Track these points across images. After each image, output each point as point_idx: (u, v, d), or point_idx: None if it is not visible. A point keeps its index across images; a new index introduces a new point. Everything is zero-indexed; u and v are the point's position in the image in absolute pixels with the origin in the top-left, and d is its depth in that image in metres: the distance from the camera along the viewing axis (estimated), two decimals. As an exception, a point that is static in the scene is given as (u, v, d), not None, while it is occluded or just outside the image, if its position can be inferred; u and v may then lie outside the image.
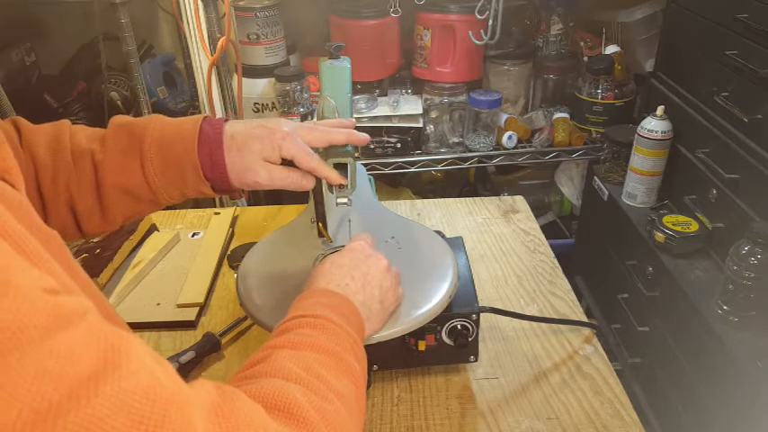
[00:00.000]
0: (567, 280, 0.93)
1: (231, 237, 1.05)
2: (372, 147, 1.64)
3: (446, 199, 1.17)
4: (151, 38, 1.83)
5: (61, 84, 1.75)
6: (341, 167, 0.68)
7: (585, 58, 1.69)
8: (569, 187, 1.92)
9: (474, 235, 1.04)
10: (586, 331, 0.82)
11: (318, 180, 0.66)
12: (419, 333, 0.69)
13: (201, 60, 1.42)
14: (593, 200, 1.62)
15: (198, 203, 1.49)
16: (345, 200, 0.69)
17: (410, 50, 1.70)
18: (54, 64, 1.82)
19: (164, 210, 0.95)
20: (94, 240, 0.96)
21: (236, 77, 1.52)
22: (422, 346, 0.71)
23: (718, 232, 1.21)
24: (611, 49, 1.64)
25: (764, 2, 1.06)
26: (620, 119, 1.60)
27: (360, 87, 1.66)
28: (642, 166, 1.37)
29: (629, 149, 1.41)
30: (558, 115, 1.69)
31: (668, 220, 1.26)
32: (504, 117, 1.69)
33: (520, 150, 1.67)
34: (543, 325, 0.83)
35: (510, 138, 1.64)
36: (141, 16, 1.76)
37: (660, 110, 1.32)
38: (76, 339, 0.29)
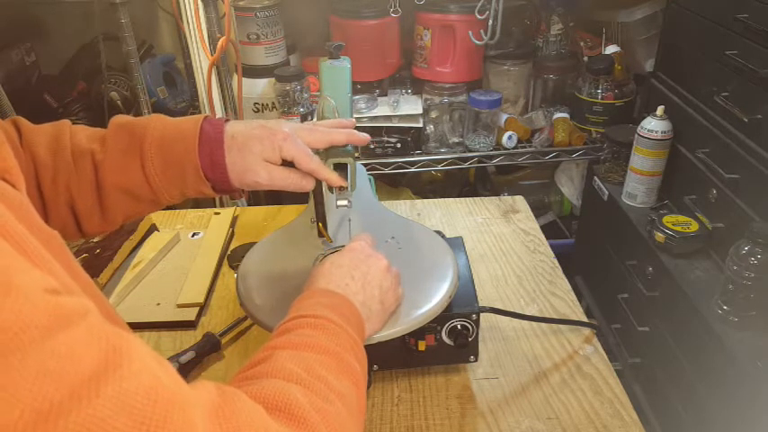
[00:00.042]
0: (566, 280, 0.93)
1: (231, 237, 1.05)
2: (372, 147, 1.64)
3: (446, 199, 1.17)
4: (151, 38, 1.83)
5: (61, 84, 1.75)
6: (341, 167, 0.68)
7: (585, 58, 1.69)
8: (569, 187, 1.92)
9: (474, 235, 1.04)
10: (586, 331, 0.82)
11: (318, 181, 0.66)
12: (419, 333, 0.69)
13: (201, 60, 1.42)
14: (593, 200, 1.62)
15: (198, 203, 1.49)
16: (345, 202, 0.69)
17: (410, 50, 1.70)
18: (54, 64, 1.82)
19: (164, 210, 0.95)
20: (94, 240, 0.96)
21: (236, 77, 1.52)
22: (422, 346, 0.71)
23: (718, 232, 1.21)
24: (611, 49, 1.64)
25: (764, 2, 1.06)
26: (620, 119, 1.60)
27: (360, 87, 1.66)
28: (642, 166, 1.37)
29: (629, 149, 1.41)
30: (558, 115, 1.69)
31: (668, 220, 1.26)
32: (504, 117, 1.69)
33: (520, 150, 1.67)
34: (543, 325, 0.83)
35: (510, 138, 1.65)
36: (141, 16, 1.76)
37: (660, 110, 1.32)
38: (78, 339, 0.29)
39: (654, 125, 1.33)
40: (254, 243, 0.81)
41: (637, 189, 1.41)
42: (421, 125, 1.64)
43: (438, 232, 0.80)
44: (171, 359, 0.74)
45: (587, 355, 0.78)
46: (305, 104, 1.57)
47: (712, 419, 1.08)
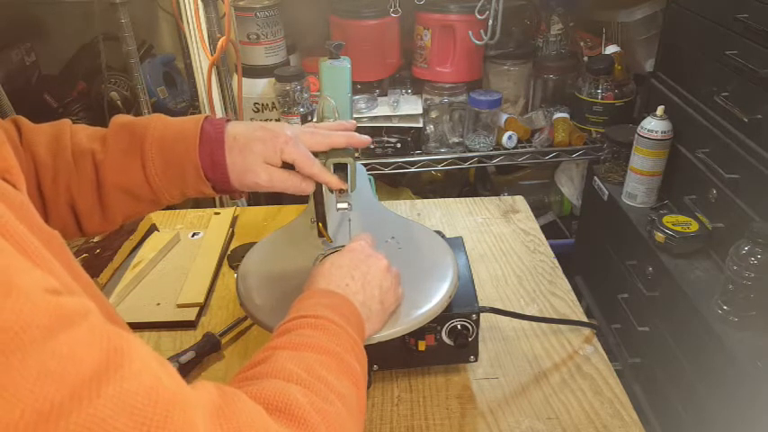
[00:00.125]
0: (566, 280, 0.93)
1: (231, 237, 1.05)
2: (372, 147, 1.64)
3: (446, 199, 1.17)
4: (151, 38, 1.83)
5: (61, 84, 1.75)
6: (341, 167, 0.68)
7: (585, 58, 1.69)
8: (569, 187, 1.92)
9: (474, 235, 1.04)
10: (586, 331, 0.82)
11: (319, 183, 0.66)
12: (419, 333, 0.69)
13: (201, 60, 1.42)
14: (593, 200, 1.62)
15: (198, 203, 1.49)
16: (345, 205, 0.69)
17: (410, 50, 1.70)
18: (54, 64, 1.82)
19: (164, 210, 0.95)
20: (94, 240, 0.96)
21: (236, 77, 1.52)
22: (422, 346, 0.71)
23: (718, 232, 1.21)
24: (611, 49, 1.64)
25: (764, 2, 1.06)
26: (620, 119, 1.60)
27: (360, 87, 1.66)
28: (642, 166, 1.37)
29: (629, 149, 1.41)
30: (558, 115, 1.69)
31: (668, 220, 1.26)
32: (504, 117, 1.69)
33: (520, 150, 1.67)
34: (543, 325, 0.83)
35: (510, 138, 1.65)
36: (141, 16, 1.76)
37: (660, 110, 1.32)
38: (78, 340, 0.29)
39: (654, 125, 1.33)
40: (254, 243, 0.81)
41: (637, 189, 1.41)
42: (421, 125, 1.64)
43: (438, 232, 0.80)
44: (171, 359, 0.74)
45: (587, 355, 0.79)
46: (305, 104, 1.57)
47: (712, 419, 1.08)
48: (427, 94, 1.68)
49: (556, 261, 0.97)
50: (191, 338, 0.82)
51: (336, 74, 0.72)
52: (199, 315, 0.87)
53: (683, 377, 1.17)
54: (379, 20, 1.60)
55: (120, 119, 0.63)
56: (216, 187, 0.63)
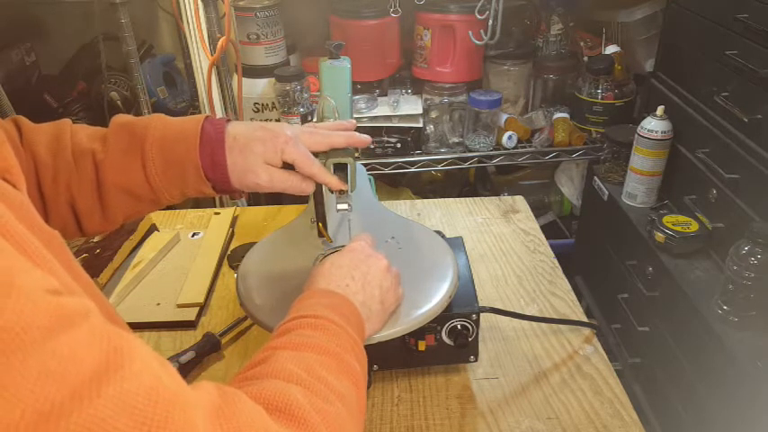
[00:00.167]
0: (566, 280, 0.93)
1: (231, 237, 1.05)
2: (372, 147, 1.64)
3: (446, 199, 1.17)
4: (151, 38, 1.83)
5: (61, 84, 1.75)
6: (341, 167, 0.68)
7: (585, 58, 1.69)
8: (569, 187, 1.92)
9: (474, 235, 1.04)
10: (586, 331, 0.82)
11: (319, 183, 0.66)
12: (419, 333, 0.69)
13: (201, 60, 1.42)
14: (593, 200, 1.62)
15: (198, 203, 1.49)
16: (345, 206, 0.69)
17: (410, 50, 1.70)
18: (54, 64, 1.82)
19: (164, 210, 0.95)
20: (94, 240, 0.96)
21: (236, 77, 1.52)
22: (422, 346, 0.71)
23: (718, 232, 1.21)
24: (611, 49, 1.64)
25: (764, 2, 1.06)
26: (620, 119, 1.60)
27: (360, 87, 1.66)
28: (642, 166, 1.37)
29: (629, 149, 1.41)
30: (558, 115, 1.69)
31: (668, 220, 1.26)
32: (504, 117, 1.69)
33: (520, 150, 1.67)
34: (543, 325, 0.83)
35: (510, 138, 1.65)
36: (141, 16, 1.76)
37: (660, 110, 1.32)
38: (79, 340, 0.29)
39: (654, 125, 1.33)
40: (254, 243, 0.81)
41: (637, 189, 1.41)
42: (421, 125, 1.64)
43: (438, 232, 0.80)
44: (171, 359, 0.74)
45: (587, 355, 0.79)
46: (305, 104, 1.57)
47: (712, 419, 1.08)
48: (427, 94, 1.68)
49: (556, 261, 0.97)
50: (191, 338, 0.82)
51: (336, 74, 0.72)
52: (199, 315, 0.87)
53: (683, 377, 1.17)
54: (379, 20, 1.60)
55: (121, 118, 0.63)
56: (216, 187, 0.63)
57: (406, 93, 1.72)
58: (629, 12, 1.64)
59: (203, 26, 1.38)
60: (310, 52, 1.80)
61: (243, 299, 0.70)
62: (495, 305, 0.78)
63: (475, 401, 0.72)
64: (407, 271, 0.69)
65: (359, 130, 0.70)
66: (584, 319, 0.84)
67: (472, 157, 1.66)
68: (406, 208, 1.14)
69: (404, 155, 1.65)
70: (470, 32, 1.53)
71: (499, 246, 1.01)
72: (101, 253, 0.94)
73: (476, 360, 0.74)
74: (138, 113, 1.48)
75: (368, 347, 0.57)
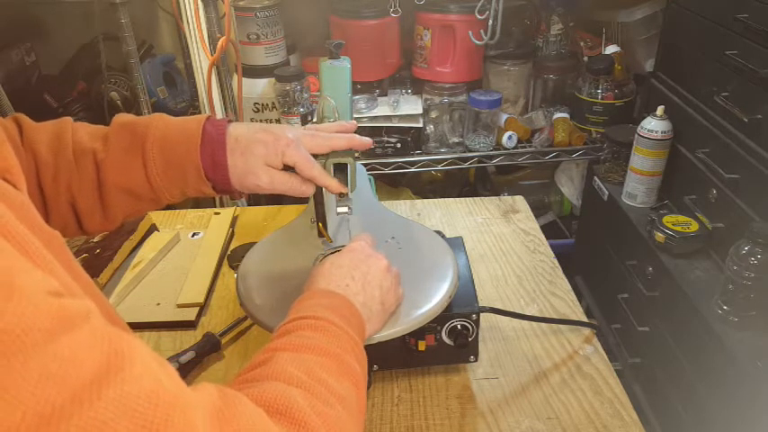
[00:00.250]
0: (566, 280, 0.93)
1: (231, 237, 1.05)
2: (372, 147, 1.63)
3: (446, 199, 1.17)
4: (151, 38, 1.83)
5: (61, 84, 1.75)
6: (341, 167, 0.68)
7: (585, 58, 1.69)
8: (569, 187, 1.92)
9: (474, 235, 1.04)
10: (586, 331, 0.82)
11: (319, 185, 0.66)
12: (419, 333, 0.69)
13: (201, 60, 1.42)
14: (593, 200, 1.62)
15: (198, 203, 1.49)
16: (345, 209, 0.69)
17: (410, 50, 1.70)
18: (54, 64, 1.82)
19: (164, 210, 0.95)
20: (94, 240, 0.96)
21: (236, 77, 1.52)
22: (422, 346, 0.71)
23: (718, 232, 1.21)
24: (611, 49, 1.64)
25: (764, 2, 1.06)
26: (620, 119, 1.60)
27: (360, 87, 1.66)
28: (642, 166, 1.37)
29: (629, 149, 1.41)
30: (558, 115, 1.69)
31: (668, 220, 1.26)
32: (504, 117, 1.69)
33: (520, 150, 1.67)
34: (543, 325, 0.83)
35: (510, 138, 1.65)
36: (141, 16, 1.76)
37: (660, 110, 1.32)
38: (80, 342, 0.29)
39: (654, 125, 1.33)
40: (254, 243, 0.81)
41: (637, 189, 1.41)
42: (421, 125, 1.64)
43: (438, 232, 0.80)
44: (171, 359, 0.74)
45: (587, 355, 0.79)
46: (305, 104, 1.57)
47: (712, 419, 1.08)
48: (427, 94, 1.68)
49: (556, 261, 0.97)
50: (191, 338, 0.82)
51: (336, 74, 0.72)
52: (199, 315, 0.87)
53: (683, 377, 1.17)
54: (379, 20, 1.60)
55: (122, 118, 0.63)
56: (216, 188, 0.63)
57: (406, 93, 1.72)
58: (629, 12, 1.64)
59: (203, 26, 1.38)
60: (310, 52, 1.80)
61: (243, 299, 0.70)
62: (495, 305, 0.78)
63: (475, 401, 0.72)
64: (407, 271, 0.69)
65: (359, 130, 0.70)
66: (585, 319, 0.84)
67: (472, 157, 1.66)
68: (406, 208, 1.14)
69: (404, 155, 1.65)
70: (470, 32, 1.53)
71: (499, 246, 1.01)
72: (101, 253, 0.94)
73: (476, 360, 0.74)
74: (138, 113, 1.47)
75: (368, 347, 0.57)
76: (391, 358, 0.73)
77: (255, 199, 1.65)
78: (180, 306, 0.87)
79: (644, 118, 1.36)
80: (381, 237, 0.77)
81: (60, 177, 0.60)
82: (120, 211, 0.63)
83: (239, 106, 1.54)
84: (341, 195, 0.68)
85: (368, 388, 0.72)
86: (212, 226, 1.06)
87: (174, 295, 0.89)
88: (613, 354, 1.44)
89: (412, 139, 1.65)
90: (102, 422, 0.27)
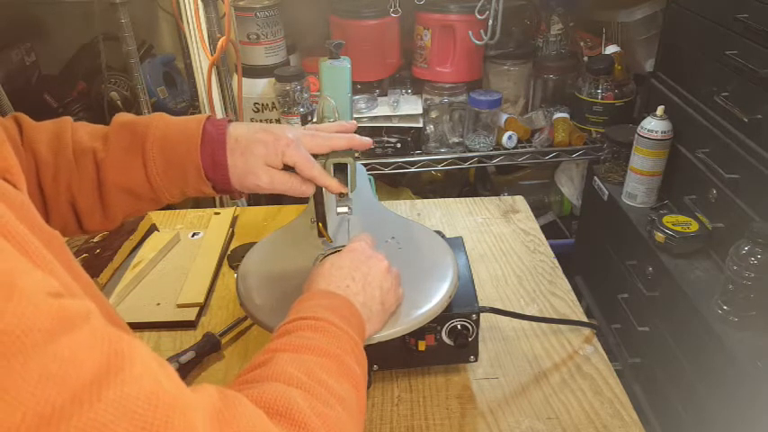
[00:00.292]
0: (566, 280, 0.93)
1: (231, 237, 1.05)
2: (372, 147, 1.63)
3: (446, 199, 1.17)
4: (151, 38, 1.83)
5: (61, 84, 1.75)
6: (341, 167, 0.68)
7: (585, 58, 1.69)
8: (569, 187, 1.92)
9: (474, 235, 1.04)
10: (586, 331, 0.82)
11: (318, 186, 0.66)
12: (419, 333, 0.69)
13: (201, 60, 1.42)
14: (593, 200, 1.62)
15: (198, 203, 1.49)
16: (345, 209, 0.69)
17: (410, 50, 1.70)
18: (54, 64, 1.82)
19: (164, 210, 0.95)
20: (94, 240, 0.96)
21: (236, 77, 1.52)
22: (422, 346, 0.71)
23: (718, 232, 1.21)
24: (611, 49, 1.64)
25: (764, 2, 1.06)
26: (620, 119, 1.60)
27: (360, 87, 1.66)
28: (642, 166, 1.37)
29: (629, 149, 1.41)
30: (558, 115, 1.69)
31: (668, 220, 1.26)
32: (504, 117, 1.69)
33: (520, 150, 1.67)
34: (543, 325, 0.83)
35: (510, 138, 1.65)
36: (141, 16, 1.76)
37: (660, 110, 1.32)
38: (80, 343, 0.29)
39: (654, 125, 1.33)
40: (254, 243, 0.81)
41: (637, 189, 1.41)
42: (421, 125, 1.64)
43: (438, 232, 0.80)
44: (171, 359, 0.74)
45: (587, 355, 0.79)
46: (305, 104, 1.57)
47: (712, 419, 1.08)
48: (427, 94, 1.68)
49: (556, 261, 0.97)
50: (191, 338, 0.82)
51: (336, 74, 0.72)
52: (199, 315, 0.87)
53: (683, 377, 1.17)
54: (379, 20, 1.60)
55: (122, 117, 0.63)
56: (216, 187, 0.63)
57: (406, 93, 1.72)
58: (629, 12, 1.64)
59: (203, 26, 1.38)
60: (310, 52, 1.80)
61: (243, 299, 0.70)
62: (495, 305, 0.78)
63: (475, 401, 0.72)
64: (407, 271, 0.69)
65: (359, 130, 0.70)
66: (585, 319, 0.84)
67: (472, 157, 1.66)
68: (406, 208, 1.14)
69: (404, 155, 1.65)
70: (470, 32, 1.53)
71: (499, 246, 1.01)
72: (101, 253, 0.94)
73: (476, 360, 0.74)
74: (138, 113, 1.47)
75: (368, 347, 0.57)
76: (391, 358, 0.73)
77: (255, 199, 1.65)
78: (180, 306, 0.87)
79: (644, 118, 1.36)
80: (381, 237, 0.77)
81: (60, 177, 0.60)
82: (120, 211, 0.63)
83: (239, 106, 1.55)
84: (341, 195, 0.68)
85: (368, 388, 0.72)
86: (212, 226, 1.06)
87: (174, 295, 0.89)
88: (613, 354, 1.44)
89: (412, 139, 1.65)
90: (102, 424, 0.27)
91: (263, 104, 1.64)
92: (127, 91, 1.68)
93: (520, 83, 1.73)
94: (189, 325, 0.85)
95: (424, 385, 0.74)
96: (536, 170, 2.03)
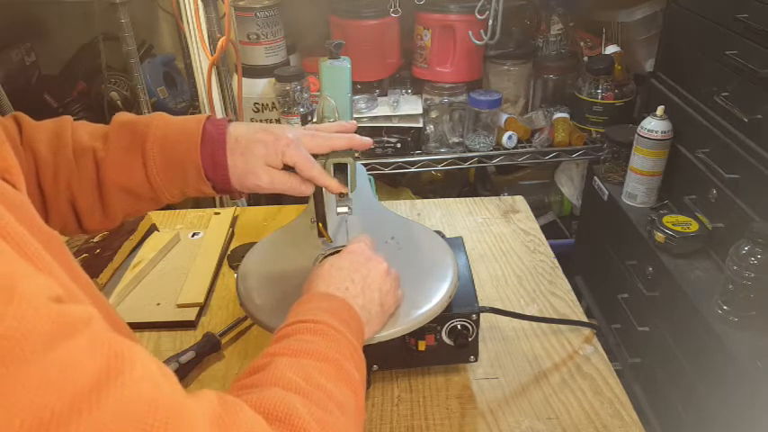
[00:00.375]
0: (566, 280, 0.93)
1: (231, 237, 1.05)
2: (372, 147, 1.63)
3: (446, 199, 1.17)
4: (151, 38, 1.83)
5: (61, 84, 1.75)
6: (341, 167, 0.68)
7: (585, 58, 1.69)
8: (569, 187, 1.92)
9: (474, 235, 1.04)
10: (586, 331, 0.82)
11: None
12: (419, 333, 0.69)
13: (201, 60, 1.42)
14: (593, 200, 1.62)
15: (198, 203, 1.49)
16: (345, 209, 0.69)
17: (410, 50, 1.70)
18: (54, 64, 1.82)
19: (164, 210, 0.95)
20: (94, 240, 0.96)
21: (236, 77, 1.52)
22: (422, 346, 0.71)
23: (718, 232, 1.21)
24: (611, 49, 1.64)
25: (764, 2, 1.06)
26: (620, 119, 1.60)
27: (360, 87, 1.66)
28: (642, 166, 1.37)
29: (629, 149, 1.41)
30: (558, 115, 1.69)
31: (668, 220, 1.26)
32: (504, 117, 1.69)
33: (520, 150, 1.67)
34: (543, 325, 0.83)
35: (510, 138, 1.65)
36: (141, 16, 1.76)
37: (660, 110, 1.32)
38: (80, 348, 0.28)
39: (654, 125, 1.33)
40: (254, 243, 0.81)
41: (637, 189, 1.41)
42: (421, 125, 1.64)
43: (438, 232, 0.80)
44: (171, 359, 0.74)
45: (587, 355, 0.78)
46: (305, 104, 1.57)
47: (712, 419, 1.08)
48: (427, 94, 1.68)
49: (556, 261, 0.97)
50: (191, 338, 0.82)
51: (336, 74, 0.72)
52: (199, 315, 0.87)
53: (683, 377, 1.17)
54: (379, 20, 1.60)
55: (122, 117, 0.63)
56: (216, 187, 0.63)
57: (406, 93, 1.72)
58: (629, 12, 1.64)
59: (203, 26, 1.38)
60: (310, 52, 1.80)
61: (243, 299, 0.70)
62: (495, 305, 0.78)
63: (475, 401, 0.72)
64: (407, 271, 0.69)
65: (359, 130, 0.70)
66: (585, 319, 0.84)
67: (472, 157, 1.66)
68: (406, 208, 1.14)
69: (404, 155, 1.65)
70: (470, 32, 1.53)
71: (499, 246, 1.01)
72: (101, 253, 0.94)
73: (476, 360, 0.74)
74: (138, 113, 1.47)
75: (368, 347, 0.57)
76: (391, 358, 0.73)
77: (255, 199, 1.65)
78: (180, 306, 0.87)
79: (644, 118, 1.36)
80: (381, 237, 0.76)
81: (60, 176, 0.60)
82: (120, 211, 0.63)
83: (239, 106, 1.55)
84: (341, 195, 0.68)
85: (368, 388, 0.72)
86: (212, 226, 1.06)
87: (174, 295, 0.89)
88: (613, 354, 1.44)
89: (412, 139, 1.65)
90: (102, 429, 0.27)
91: (263, 104, 1.64)
92: (127, 91, 1.68)
93: (520, 83, 1.73)
94: (189, 325, 0.85)
95: (424, 385, 0.74)
96: (536, 170, 2.03)
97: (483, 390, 0.73)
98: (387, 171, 1.65)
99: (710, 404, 1.08)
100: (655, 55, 1.52)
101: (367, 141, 0.69)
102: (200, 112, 1.42)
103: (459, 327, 0.70)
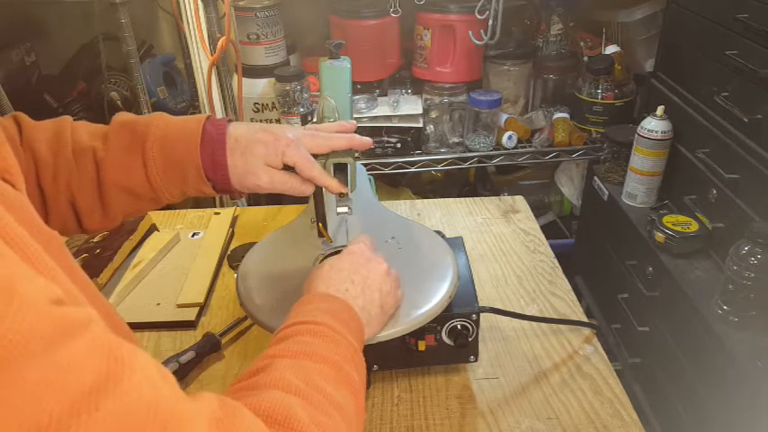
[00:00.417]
0: (566, 280, 0.93)
1: (231, 237, 1.05)
2: (372, 147, 1.63)
3: (446, 199, 1.17)
4: (151, 38, 1.83)
5: (61, 84, 1.75)
6: (341, 167, 0.68)
7: (585, 58, 1.69)
8: (569, 187, 1.92)
9: (474, 235, 1.04)
10: (586, 331, 0.82)
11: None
12: (419, 333, 0.69)
13: (201, 60, 1.42)
14: (593, 200, 1.62)
15: (198, 203, 1.49)
16: (345, 209, 0.69)
17: (410, 50, 1.70)
18: (54, 64, 1.82)
19: (164, 210, 0.95)
20: (94, 240, 0.96)
21: (236, 77, 1.52)
22: (422, 346, 0.71)
23: (718, 232, 1.21)
24: (611, 49, 1.64)
25: (764, 2, 1.06)
26: (620, 119, 1.60)
27: (360, 87, 1.66)
28: (642, 166, 1.37)
29: (629, 149, 1.41)
30: (558, 115, 1.69)
31: (668, 220, 1.26)
32: (504, 117, 1.69)
33: (520, 150, 1.67)
34: (543, 325, 0.83)
35: (510, 138, 1.65)
36: (141, 16, 1.76)
37: (660, 110, 1.32)
38: (80, 351, 0.28)
39: (654, 125, 1.33)
40: (254, 243, 0.81)
41: (637, 189, 1.41)
42: (421, 125, 1.64)
43: (438, 232, 0.80)
44: (171, 359, 0.74)
45: (587, 355, 0.78)
46: (305, 104, 1.57)
47: (712, 419, 1.08)
48: (427, 94, 1.68)
49: (556, 261, 0.97)
50: (191, 338, 0.82)
51: (336, 74, 0.72)
52: (199, 315, 0.87)
53: (683, 377, 1.17)
54: (379, 20, 1.60)
55: (122, 117, 0.63)
56: (216, 187, 0.63)
57: (406, 93, 1.72)
58: (629, 12, 1.64)
59: (203, 26, 1.38)
60: (310, 52, 1.80)
61: (243, 299, 0.70)
62: (495, 305, 0.78)
63: (475, 401, 0.72)
64: (407, 271, 0.69)
65: (359, 130, 0.70)
66: (585, 319, 0.84)
67: (472, 157, 1.66)
68: (406, 208, 1.14)
69: (404, 155, 1.65)
70: (470, 32, 1.53)
71: (499, 246, 1.01)
72: (101, 253, 0.94)
73: (476, 360, 0.74)
74: (138, 113, 1.47)
75: (368, 347, 0.57)
76: (391, 358, 0.73)
77: (255, 199, 1.65)
78: (180, 306, 0.87)
79: (644, 118, 1.36)
80: (381, 237, 0.76)
81: (60, 176, 0.60)
82: (120, 211, 0.63)
83: (239, 106, 1.55)
84: (341, 195, 0.68)
85: (367, 388, 0.72)
86: (212, 226, 1.06)
87: (174, 295, 0.89)
88: (613, 354, 1.44)
89: (412, 139, 1.65)
90: (102, 429, 0.27)
91: (263, 104, 1.64)
92: (127, 91, 1.68)
93: (520, 83, 1.73)
94: (189, 325, 0.85)
95: (424, 385, 0.74)
96: (536, 170, 2.03)
97: (483, 390, 0.73)
98: (387, 171, 1.65)
99: (710, 404, 1.08)
100: (655, 55, 1.52)
101: (367, 141, 0.69)
102: (200, 112, 1.42)
103: (459, 327, 0.70)
